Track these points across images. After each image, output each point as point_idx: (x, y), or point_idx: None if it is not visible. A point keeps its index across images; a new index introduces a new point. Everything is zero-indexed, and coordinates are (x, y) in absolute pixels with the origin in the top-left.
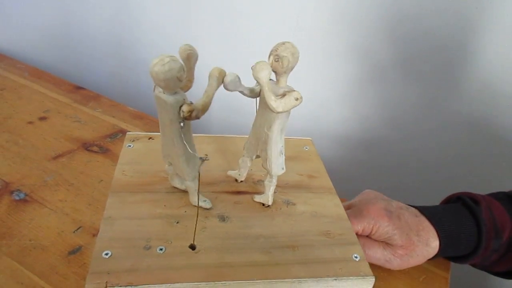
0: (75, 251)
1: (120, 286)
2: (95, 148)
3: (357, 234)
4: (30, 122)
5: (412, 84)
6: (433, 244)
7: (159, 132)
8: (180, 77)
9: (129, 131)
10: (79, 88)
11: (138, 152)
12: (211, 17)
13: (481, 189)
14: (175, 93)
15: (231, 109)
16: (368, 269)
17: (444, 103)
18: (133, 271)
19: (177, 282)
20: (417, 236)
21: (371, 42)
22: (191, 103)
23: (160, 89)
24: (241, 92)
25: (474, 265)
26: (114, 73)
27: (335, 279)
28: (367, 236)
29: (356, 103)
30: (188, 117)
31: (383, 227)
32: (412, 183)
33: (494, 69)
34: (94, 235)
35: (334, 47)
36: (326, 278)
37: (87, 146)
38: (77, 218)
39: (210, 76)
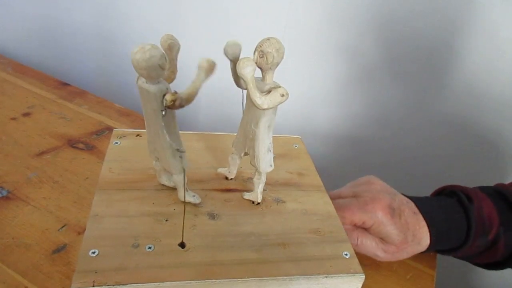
0: (60, 249)
1: (108, 285)
2: (80, 145)
3: (355, 224)
4: (13, 118)
5: (399, 84)
6: (424, 243)
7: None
8: (162, 65)
9: (116, 128)
10: (64, 84)
11: (125, 149)
12: (200, 14)
13: (464, 185)
14: (158, 82)
15: (219, 105)
16: (358, 267)
17: (430, 103)
18: (121, 270)
19: (167, 281)
20: (412, 236)
21: (359, 42)
22: (175, 92)
23: (143, 79)
24: (233, 70)
25: (456, 257)
26: (100, 69)
27: (326, 277)
28: (364, 228)
29: (344, 101)
30: (172, 106)
31: (385, 226)
32: (398, 179)
33: (478, 71)
34: (80, 234)
35: (323, 46)
36: (316, 276)
37: (72, 143)
38: (62, 216)
39: (199, 67)
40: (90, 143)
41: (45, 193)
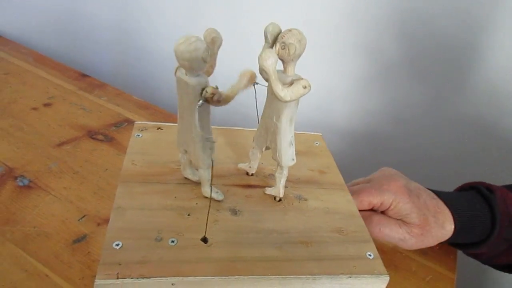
0: (80, 239)
1: (132, 278)
2: (100, 137)
3: (373, 208)
4: (34, 108)
5: (419, 82)
6: (448, 228)
7: (166, 122)
8: (205, 58)
9: (135, 121)
10: (84, 75)
11: (147, 142)
12: (218, 9)
13: None
14: (198, 75)
15: (235, 101)
16: (382, 268)
17: (449, 102)
18: (145, 263)
19: (190, 276)
20: (434, 217)
21: (379, 38)
22: (216, 87)
23: (182, 71)
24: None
25: (478, 256)
26: (119, 62)
27: (350, 277)
28: (383, 212)
29: (361, 99)
30: (209, 99)
31: (403, 203)
32: (414, 179)
33: (501, 70)
34: (99, 225)
35: (342, 42)
36: (340, 276)
37: (92, 134)
38: (82, 206)
39: (241, 75)
40: (109, 135)
41: (66, 183)
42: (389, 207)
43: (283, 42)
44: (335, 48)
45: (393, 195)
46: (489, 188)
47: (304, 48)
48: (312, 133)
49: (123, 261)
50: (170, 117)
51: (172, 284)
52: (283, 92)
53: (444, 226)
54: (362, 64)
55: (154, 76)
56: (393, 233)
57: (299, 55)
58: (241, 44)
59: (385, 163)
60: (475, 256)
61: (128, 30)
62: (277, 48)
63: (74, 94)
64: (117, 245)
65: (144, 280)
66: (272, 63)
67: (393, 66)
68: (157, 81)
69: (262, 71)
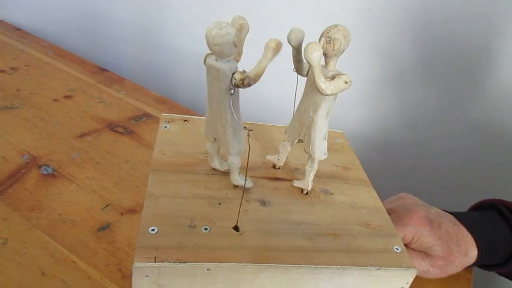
0: (104, 227)
1: (169, 262)
2: (120, 129)
3: None
4: (55, 100)
5: (432, 87)
6: (472, 254)
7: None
8: (236, 42)
9: (153, 115)
10: (102, 69)
11: (175, 134)
12: (235, 8)
13: (497, 196)
14: (228, 61)
15: (253, 106)
16: (409, 261)
17: (464, 108)
18: (181, 248)
19: (225, 262)
20: (456, 246)
21: (394, 42)
22: (244, 71)
23: (212, 58)
24: (295, 56)
25: (501, 273)
26: (136, 57)
27: (379, 269)
28: (405, 245)
29: (374, 103)
30: (240, 85)
31: (425, 237)
32: (427, 186)
33: None
34: (123, 214)
35: (357, 45)
36: (369, 268)
37: (112, 127)
38: (105, 196)
39: (266, 47)
40: (129, 128)
41: (88, 173)
42: (411, 241)
43: (328, 37)
44: (349, 52)
45: (415, 229)
46: (509, 206)
47: (348, 44)
48: (334, 130)
49: (160, 246)
50: (187, 112)
51: (208, 269)
52: (325, 85)
53: (467, 254)
54: (376, 68)
55: (169, 73)
56: (416, 266)
57: (343, 51)
58: (257, 45)
59: (396, 169)
60: (497, 272)
61: (144, 28)
62: (322, 42)
63: (94, 87)
64: (153, 230)
65: (181, 265)
66: (317, 55)
67: (408, 71)
68: (172, 78)
69: (301, 65)
